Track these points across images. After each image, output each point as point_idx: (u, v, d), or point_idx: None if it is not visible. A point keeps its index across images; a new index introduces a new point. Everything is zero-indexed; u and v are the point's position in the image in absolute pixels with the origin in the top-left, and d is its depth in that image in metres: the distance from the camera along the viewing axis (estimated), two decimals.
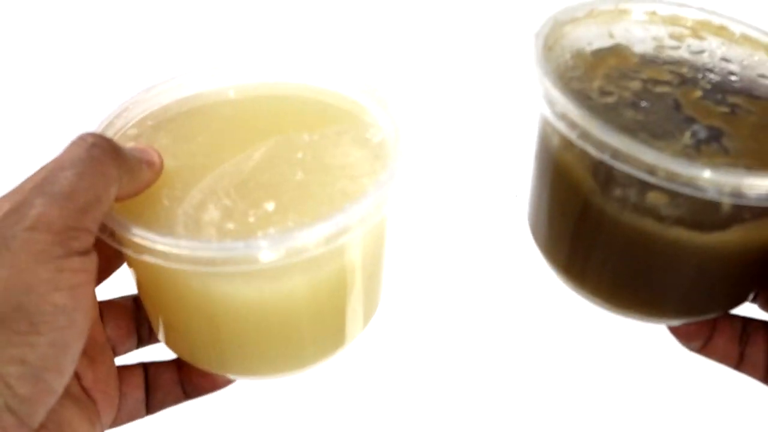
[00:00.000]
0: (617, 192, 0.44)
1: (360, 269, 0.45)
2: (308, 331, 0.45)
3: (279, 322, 0.43)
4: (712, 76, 0.49)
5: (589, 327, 0.57)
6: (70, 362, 0.37)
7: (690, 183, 0.40)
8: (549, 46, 0.49)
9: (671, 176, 0.40)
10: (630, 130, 0.44)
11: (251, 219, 0.42)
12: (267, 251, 0.38)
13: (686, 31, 0.53)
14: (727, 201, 0.41)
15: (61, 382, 0.37)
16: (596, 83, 0.47)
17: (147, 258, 0.39)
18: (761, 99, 0.48)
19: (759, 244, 0.45)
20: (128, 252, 0.40)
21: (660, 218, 0.43)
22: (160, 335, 0.47)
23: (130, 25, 0.88)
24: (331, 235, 0.40)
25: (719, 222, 0.43)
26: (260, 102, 0.50)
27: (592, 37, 0.51)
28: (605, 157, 0.42)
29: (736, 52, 0.51)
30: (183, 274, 0.41)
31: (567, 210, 0.48)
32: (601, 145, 0.42)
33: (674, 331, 0.51)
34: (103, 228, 0.41)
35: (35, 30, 0.88)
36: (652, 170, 0.41)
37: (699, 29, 0.53)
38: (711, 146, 0.44)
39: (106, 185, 0.38)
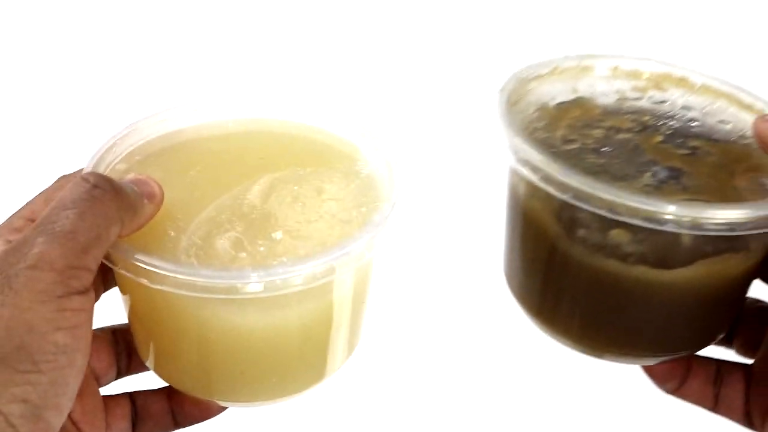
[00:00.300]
0: (581, 233, 0.45)
1: (348, 304, 0.46)
2: (294, 362, 0.45)
3: (266, 351, 0.44)
4: (672, 122, 0.51)
5: (569, 371, 0.57)
6: (68, 400, 0.38)
7: (650, 217, 0.41)
8: (513, 101, 0.51)
9: (631, 212, 0.42)
10: (592, 172, 0.45)
11: (261, 248, 0.43)
12: (256, 284, 0.40)
13: (648, 84, 0.55)
14: (686, 233, 0.42)
15: (59, 420, 0.38)
16: (559, 132, 0.49)
17: (145, 281, 0.41)
18: (720, 142, 0.50)
19: (724, 280, 0.46)
20: (129, 276, 0.41)
21: (623, 257, 0.44)
22: (149, 361, 0.48)
23: (120, 49, 0.90)
24: (319, 274, 0.41)
25: (681, 258, 0.44)
26: (248, 137, 0.52)
27: (556, 92, 0.53)
28: (567, 198, 0.43)
29: (697, 101, 0.53)
30: (179, 299, 0.42)
31: (536, 256, 0.49)
32: (562, 187, 0.43)
33: (648, 372, 0.51)
34: (106, 255, 0.41)
35: (24, 46, 0.90)
36: (612, 207, 0.42)
37: (661, 81, 0.55)
38: (671, 185, 0.45)
39: (107, 225, 0.39)
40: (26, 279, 0.36)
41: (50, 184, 0.46)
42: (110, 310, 0.49)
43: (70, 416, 0.44)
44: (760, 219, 0.41)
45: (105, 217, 0.39)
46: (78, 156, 0.49)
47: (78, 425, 0.45)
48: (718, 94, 0.54)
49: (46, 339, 0.36)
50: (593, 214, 0.43)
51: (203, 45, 0.89)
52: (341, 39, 0.90)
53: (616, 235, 0.44)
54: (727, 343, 0.54)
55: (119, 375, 0.50)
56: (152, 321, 0.45)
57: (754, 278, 0.49)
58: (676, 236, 0.43)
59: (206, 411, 0.50)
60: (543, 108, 0.51)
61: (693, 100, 0.54)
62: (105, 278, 0.48)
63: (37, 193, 0.45)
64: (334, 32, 0.90)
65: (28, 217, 0.44)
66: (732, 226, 0.41)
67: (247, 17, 0.90)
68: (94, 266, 0.38)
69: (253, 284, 0.40)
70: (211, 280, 0.40)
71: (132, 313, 0.47)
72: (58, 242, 0.37)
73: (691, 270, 0.44)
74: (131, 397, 0.49)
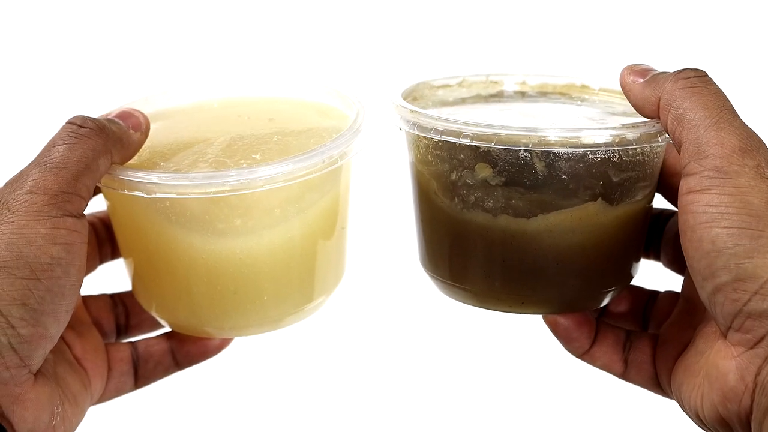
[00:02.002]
0: (454, 178, 0.49)
1: (329, 221, 0.50)
2: (284, 278, 0.49)
3: (257, 268, 0.48)
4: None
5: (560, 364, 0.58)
6: (64, 312, 0.41)
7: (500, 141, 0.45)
8: (414, 96, 0.57)
9: (478, 137, 0.46)
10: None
11: (244, 165, 0.47)
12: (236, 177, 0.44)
13: (554, 91, 0.60)
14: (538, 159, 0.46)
15: (56, 329, 0.41)
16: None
17: (137, 193, 0.45)
18: None
19: (593, 228, 0.48)
20: (117, 190, 0.45)
21: (491, 209, 0.48)
22: (144, 298, 0.51)
23: (105, 38, 0.95)
24: (292, 172, 0.45)
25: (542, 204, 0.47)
26: (225, 107, 0.58)
27: (461, 95, 0.59)
28: (432, 135, 0.48)
29: (593, 100, 0.58)
30: (170, 224, 0.46)
31: (428, 220, 0.53)
32: (427, 129, 0.48)
33: (555, 332, 0.52)
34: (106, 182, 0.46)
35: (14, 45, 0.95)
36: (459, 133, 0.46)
37: (565, 91, 0.60)
38: None
39: (95, 156, 0.43)
40: (23, 202, 0.40)
41: None
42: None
43: (72, 352, 0.48)
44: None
45: (93, 150, 0.43)
46: None
47: (81, 362, 0.48)
48: (614, 93, 0.58)
49: (42, 251, 0.40)
50: (459, 159, 0.47)
51: (186, 34, 0.95)
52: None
53: (480, 169, 0.48)
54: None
55: (119, 335, 0.54)
56: (145, 250, 0.49)
57: (636, 232, 0.51)
58: (531, 167, 0.46)
59: (206, 349, 0.53)
60: (440, 101, 0.57)
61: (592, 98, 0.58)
62: (101, 251, 0.53)
63: None
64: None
65: None
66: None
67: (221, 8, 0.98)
68: (85, 193, 0.43)
69: (236, 182, 0.44)
70: (200, 181, 0.44)
71: (127, 245, 0.51)
72: (51, 171, 0.41)
73: (551, 217, 0.47)
74: (133, 344, 0.52)
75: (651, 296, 0.55)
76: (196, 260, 0.47)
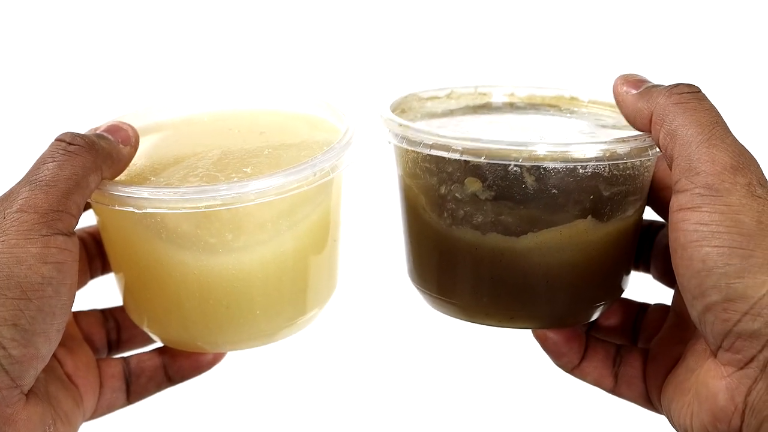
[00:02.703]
0: (444, 192, 0.49)
1: (321, 234, 0.50)
2: (276, 292, 0.49)
3: (250, 282, 0.47)
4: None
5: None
6: (55, 331, 0.41)
7: (486, 154, 0.45)
8: (402, 109, 0.57)
9: (468, 151, 0.46)
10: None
11: (235, 179, 0.47)
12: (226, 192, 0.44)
13: (543, 103, 0.60)
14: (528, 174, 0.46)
15: (48, 348, 0.41)
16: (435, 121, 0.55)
17: (127, 209, 0.44)
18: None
19: (582, 246, 0.48)
20: (107, 206, 0.45)
21: (478, 225, 0.48)
22: (136, 315, 0.51)
23: (97, 48, 0.94)
24: (284, 185, 0.45)
25: (531, 223, 0.47)
26: (221, 118, 0.58)
27: (449, 107, 0.59)
28: (420, 149, 0.47)
29: (583, 112, 0.58)
30: (161, 241, 0.46)
31: (417, 233, 0.53)
32: (417, 143, 0.48)
33: (545, 347, 0.52)
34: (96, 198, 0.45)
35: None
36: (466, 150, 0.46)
37: (555, 102, 0.60)
38: None
39: (84, 173, 0.43)
40: (13, 221, 0.40)
41: None
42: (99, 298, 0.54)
43: (64, 369, 0.48)
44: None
45: (83, 167, 0.43)
46: None
47: (72, 378, 0.48)
48: (604, 105, 0.58)
49: (33, 270, 0.40)
50: (448, 173, 0.47)
51: (176, 45, 0.95)
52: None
53: (470, 183, 0.47)
54: (632, 343, 0.54)
55: (111, 351, 0.54)
56: (135, 266, 0.49)
57: (626, 247, 0.51)
58: (521, 181, 0.46)
59: (198, 364, 0.53)
60: (428, 114, 0.57)
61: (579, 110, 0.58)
62: (91, 266, 0.53)
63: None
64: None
65: None
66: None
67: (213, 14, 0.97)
68: (75, 211, 0.42)
69: (227, 196, 0.44)
70: (191, 196, 0.44)
71: (118, 260, 0.50)
72: (41, 190, 0.41)
73: (541, 236, 0.47)
74: (125, 359, 0.52)
75: (641, 309, 0.55)
76: (187, 276, 0.47)
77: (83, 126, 0.49)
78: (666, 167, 0.51)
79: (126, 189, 0.45)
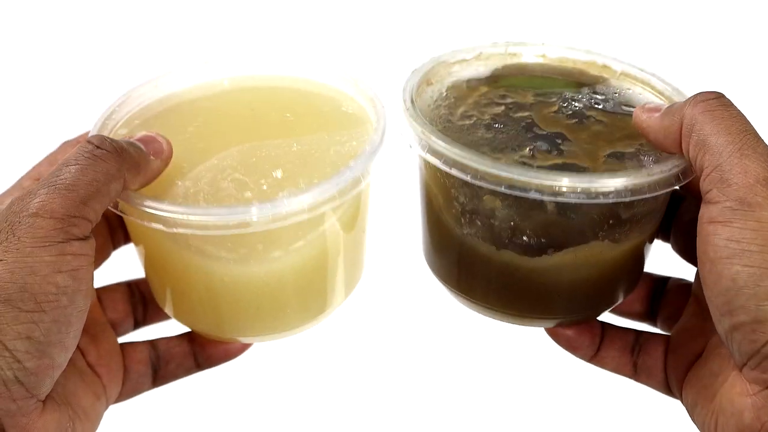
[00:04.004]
0: (459, 204, 0.48)
1: (346, 235, 0.50)
2: (305, 292, 0.50)
3: (281, 285, 0.48)
4: (575, 103, 0.53)
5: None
6: (72, 339, 0.40)
7: (504, 182, 0.45)
8: (428, 81, 0.55)
9: (483, 176, 0.45)
10: (475, 145, 0.49)
11: (264, 187, 0.47)
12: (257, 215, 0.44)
13: (574, 69, 0.57)
14: (548, 200, 0.45)
15: (64, 356, 0.40)
16: (461, 109, 0.53)
17: (155, 225, 0.44)
18: (615, 114, 0.52)
19: (594, 264, 0.48)
20: (143, 224, 0.45)
21: (496, 238, 0.48)
22: (168, 308, 0.52)
23: (111, 19, 0.94)
24: (320, 202, 0.45)
25: (547, 245, 0.47)
26: (239, 93, 0.56)
27: (477, 74, 0.57)
28: (441, 165, 0.47)
29: (613, 86, 0.56)
30: (189, 246, 0.46)
31: (436, 232, 0.53)
32: (438, 155, 0.47)
33: (558, 342, 0.53)
34: (115, 205, 0.45)
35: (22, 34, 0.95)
36: (474, 173, 0.45)
37: (585, 68, 0.57)
38: (546, 154, 0.48)
39: (106, 180, 0.41)
40: (28, 226, 0.39)
41: (55, 149, 0.51)
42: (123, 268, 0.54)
43: (86, 359, 0.48)
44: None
45: (105, 174, 0.42)
46: (79, 123, 0.54)
47: (94, 368, 0.49)
48: (636, 80, 0.56)
49: (47, 280, 0.39)
50: (468, 186, 0.47)
51: (189, 12, 0.93)
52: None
53: (489, 201, 0.47)
54: (651, 320, 0.55)
55: (137, 325, 0.55)
56: (168, 269, 0.49)
57: (642, 257, 0.51)
58: (541, 207, 0.46)
59: (228, 352, 0.53)
60: (454, 86, 0.55)
61: (609, 85, 0.56)
62: (114, 237, 0.53)
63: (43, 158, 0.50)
64: None
65: (35, 178, 0.49)
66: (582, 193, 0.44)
67: None
68: (93, 217, 0.41)
69: (260, 216, 0.44)
70: (222, 217, 0.43)
71: (148, 263, 0.51)
72: (58, 193, 0.40)
73: (556, 257, 0.48)
74: (153, 344, 0.53)
75: (660, 283, 0.55)
76: (217, 282, 0.47)
77: (95, 106, 0.48)
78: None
79: (156, 205, 0.44)
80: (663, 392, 0.52)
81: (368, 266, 0.56)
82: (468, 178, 0.46)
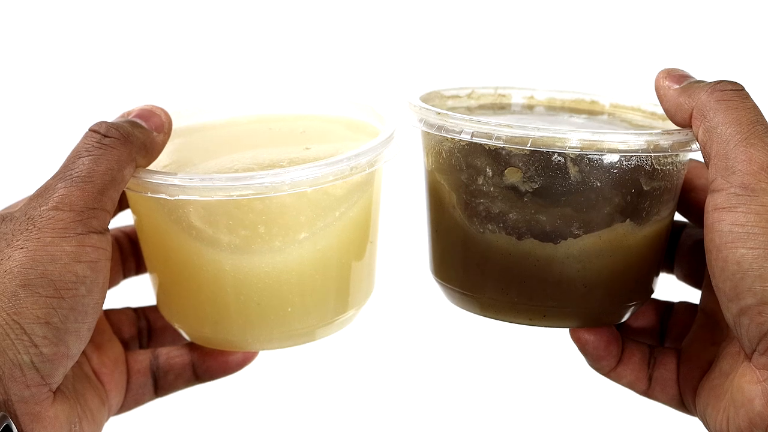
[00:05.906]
0: (480, 183, 0.47)
1: (358, 231, 0.49)
2: (309, 289, 0.47)
3: (281, 279, 0.46)
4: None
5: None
6: (86, 331, 0.41)
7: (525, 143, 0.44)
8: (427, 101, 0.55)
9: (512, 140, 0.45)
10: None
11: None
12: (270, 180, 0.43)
13: (564, 107, 0.59)
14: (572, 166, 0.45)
15: (78, 347, 0.41)
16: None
17: (164, 196, 0.43)
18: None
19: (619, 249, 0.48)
20: (141, 193, 0.44)
21: (516, 221, 0.47)
22: (168, 309, 0.50)
23: (121, 50, 0.94)
24: (321, 176, 0.44)
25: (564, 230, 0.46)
26: (262, 120, 0.56)
27: (468, 105, 0.58)
28: (455, 135, 0.46)
29: (605, 116, 0.58)
30: (194, 238, 0.45)
31: (444, 231, 0.51)
32: (453, 129, 0.47)
33: (583, 350, 0.50)
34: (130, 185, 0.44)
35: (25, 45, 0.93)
36: (491, 135, 0.45)
37: (574, 106, 0.59)
38: None
39: (120, 167, 0.42)
40: (48, 219, 0.40)
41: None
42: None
43: (90, 365, 0.47)
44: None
45: (118, 161, 0.42)
46: (79, 124, 0.51)
47: (98, 375, 0.48)
48: (626, 108, 0.58)
49: (67, 269, 0.39)
50: (486, 154, 0.46)
51: (201, 47, 0.94)
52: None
53: (510, 174, 0.46)
54: (659, 340, 0.54)
55: (141, 348, 0.52)
56: (167, 260, 0.48)
57: (660, 249, 0.50)
58: (564, 172, 0.45)
59: (227, 365, 0.51)
60: (452, 108, 0.56)
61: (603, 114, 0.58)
62: (125, 266, 0.52)
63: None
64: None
65: None
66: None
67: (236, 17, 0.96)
68: (110, 206, 0.42)
69: (260, 185, 0.43)
70: (224, 183, 0.42)
71: (149, 257, 0.49)
72: (76, 186, 0.41)
73: (580, 242, 0.47)
74: (154, 354, 0.51)
75: (667, 308, 0.54)
76: (219, 271, 0.46)
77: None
78: (695, 168, 0.51)
79: (159, 176, 0.44)
80: (675, 407, 0.50)
81: (379, 280, 0.54)
82: (492, 142, 0.45)
